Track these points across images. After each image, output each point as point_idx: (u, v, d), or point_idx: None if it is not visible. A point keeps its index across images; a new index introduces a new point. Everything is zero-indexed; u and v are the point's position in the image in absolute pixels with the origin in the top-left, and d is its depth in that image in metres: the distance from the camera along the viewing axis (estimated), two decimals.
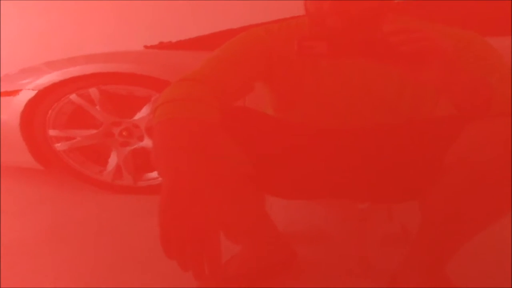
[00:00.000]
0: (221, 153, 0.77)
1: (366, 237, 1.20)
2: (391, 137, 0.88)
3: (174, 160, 0.67)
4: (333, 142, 0.91)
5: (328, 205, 1.25)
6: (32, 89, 1.62)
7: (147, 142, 1.65)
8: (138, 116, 1.61)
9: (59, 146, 1.66)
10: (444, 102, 0.83)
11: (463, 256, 0.93)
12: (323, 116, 0.94)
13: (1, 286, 1.07)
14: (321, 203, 1.26)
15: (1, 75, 1.86)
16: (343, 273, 1.08)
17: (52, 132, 1.65)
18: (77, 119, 1.68)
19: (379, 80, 0.91)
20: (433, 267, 0.93)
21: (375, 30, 0.77)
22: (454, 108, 0.79)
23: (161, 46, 1.91)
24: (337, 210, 1.27)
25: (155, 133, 0.72)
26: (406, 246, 0.98)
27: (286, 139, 0.89)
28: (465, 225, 0.82)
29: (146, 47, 1.94)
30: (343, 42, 0.69)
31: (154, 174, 1.69)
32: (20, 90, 1.64)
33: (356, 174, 0.89)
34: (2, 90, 1.70)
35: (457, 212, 0.79)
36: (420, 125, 0.88)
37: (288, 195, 0.97)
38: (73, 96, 1.60)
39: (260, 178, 0.88)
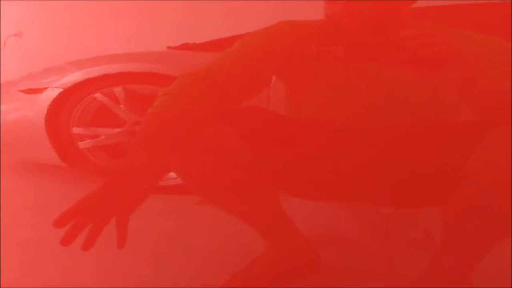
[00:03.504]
0: (213, 146, 0.78)
1: (389, 241, 1.19)
2: (412, 141, 0.87)
3: (151, 152, 0.69)
4: (351, 143, 0.90)
5: (351, 209, 1.24)
6: (58, 87, 1.65)
7: None
8: None
9: (83, 144, 1.68)
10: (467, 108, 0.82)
11: None
12: (339, 116, 0.93)
13: (21, 283, 1.08)
14: (344, 207, 1.25)
15: (28, 73, 1.89)
16: (366, 278, 1.07)
17: (76, 130, 1.67)
18: (102, 117, 1.70)
19: (397, 82, 0.89)
20: (457, 274, 0.91)
21: (391, 33, 0.76)
22: (474, 113, 0.78)
23: (185, 47, 1.93)
24: (361, 214, 1.26)
25: (142, 123, 0.77)
26: (430, 252, 0.97)
27: (302, 139, 0.88)
28: (487, 233, 0.80)
29: (169, 48, 1.95)
30: (359, 47, 0.69)
31: (174, 174, 1.70)
32: (45, 88, 1.67)
33: (376, 177, 0.88)
34: (27, 87, 1.73)
35: (479, 219, 0.78)
36: (442, 130, 0.87)
37: (306, 195, 0.97)
38: (98, 95, 1.62)
39: (274, 176, 0.88)
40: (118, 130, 1.66)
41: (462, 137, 0.81)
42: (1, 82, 1.92)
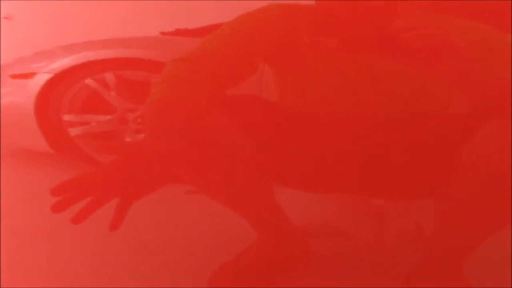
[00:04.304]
0: (210, 135, 0.77)
1: (381, 233, 1.19)
2: (404, 132, 0.86)
3: (165, 143, 0.66)
4: (343, 134, 0.89)
5: (343, 200, 1.24)
6: (48, 73, 1.61)
7: None
8: None
9: (73, 131, 1.65)
10: (460, 99, 0.82)
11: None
12: (329, 106, 0.91)
13: (10, 270, 1.07)
14: (336, 198, 1.25)
15: (17, 58, 1.86)
16: (357, 268, 1.07)
17: (66, 117, 1.64)
18: (92, 104, 1.67)
19: (390, 73, 0.87)
20: (448, 267, 0.91)
21: (385, 23, 0.75)
22: (468, 105, 0.77)
23: (178, 32, 1.89)
24: (352, 205, 1.26)
25: (146, 114, 0.74)
26: (421, 245, 0.97)
27: (294, 129, 0.87)
28: (479, 227, 0.80)
29: (162, 33, 1.92)
30: (352, 38, 0.69)
31: None
32: (36, 73, 1.64)
33: (368, 168, 0.87)
34: (17, 72, 1.70)
35: (471, 213, 0.77)
36: (434, 121, 0.86)
37: (298, 186, 0.96)
38: (88, 81, 1.59)
39: (268, 166, 0.87)
40: (109, 117, 1.64)
41: (455, 129, 0.81)
42: None
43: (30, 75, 1.65)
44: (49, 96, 1.64)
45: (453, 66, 0.69)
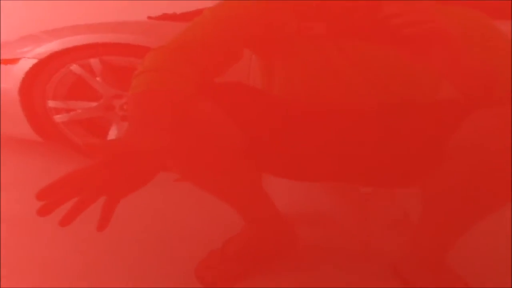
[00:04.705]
0: (199, 125, 0.75)
1: (368, 221, 1.19)
2: (391, 119, 0.85)
3: (153, 138, 0.64)
4: (331, 122, 0.87)
5: (330, 188, 1.24)
6: (32, 58, 1.58)
7: None
8: None
9: (58, 117, 1.63)
10: (447, 86, 0.81)
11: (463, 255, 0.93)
12: (315, 94, 0.89)
13: (2, 260, 1.06)
14: (323, 186, 1.24)
15: (1, 42, 1.81)
16: (345, 257, 1.07)
17: (51, 103, 1.61)
18: (78, 90, 1.64)
19: (377, 59, 0.86)
20: (434, 255, 0.92)
21: (375, 10, 0.73)
22: (456, 92, 0.76)
23: (165, 17, 1.85)
24: (340, 193, 1.26)
25: (130, 106, 0.70)
26: (408, 232, 0.97)
27: (282, 117, 0.85)
28: (465, 215, 0.81)
29: (149, 18, 1.88)
30: (341, 24, 0.67)
31: None
32: (20, 58, 1.60)
33: (355, 157, 0.86)
34: (1, 58, 1.66)
35: (457, 201, 0.78)
36: (422, 109, 0.85)
37: (286, 174, 0.94)
38: (73, 67, 1.55)
39: (256, 155, 0.85)
40: (94, 104, 1.61)
41: (442, 117, 0.80)
42: None
43: (14, 61, 1.62)
44: (33, 82, 1.60)
45: (442, 53, 0.68)
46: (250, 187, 0.92)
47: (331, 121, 0.87)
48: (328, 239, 1.14)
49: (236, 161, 0.84)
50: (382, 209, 1.23)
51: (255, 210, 0.98)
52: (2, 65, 1.63)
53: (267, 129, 0.84)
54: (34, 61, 1.57)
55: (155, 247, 1.12)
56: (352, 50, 0.85)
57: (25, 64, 1.58)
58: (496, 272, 1.01)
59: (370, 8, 0.76)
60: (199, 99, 0.76)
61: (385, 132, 0.84)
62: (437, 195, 0.81)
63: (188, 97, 0.74)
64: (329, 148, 0.86)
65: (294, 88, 0.90)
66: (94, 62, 1.54)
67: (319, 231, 1.18)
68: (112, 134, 1.65)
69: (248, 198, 0.94)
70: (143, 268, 1.04)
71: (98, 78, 1.56)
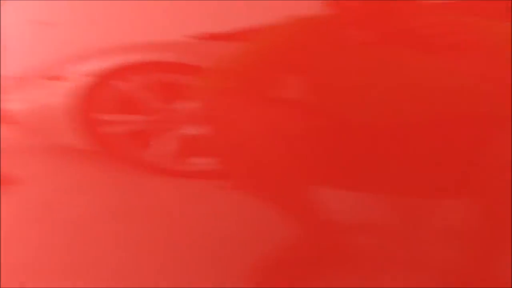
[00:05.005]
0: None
1: (420, 231, 1.17)
2: (431, 132, 0.86)
3: None
4: (384, 133, 0.89)
5: (382, 198, 1.23)
6: (84, 75, 1.66)
7: (190, 129, 1.67)
8: (183, 103, 1.63)
9: (106, 129, 1.70)
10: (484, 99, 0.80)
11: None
12: (363, 106, 0.91)
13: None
14: (377, 196, 1.24)
15: (53, 60, 1.91)
16: (396, 266, 1.07)
17: (100, 116, 1.69)
18: (125, 104, 1.71)
19: (412, 70, 0.87)
20: (487, 265, 0.92)
21: (409, 18, 0.75)
22: (493, 105, 0.77)
23: (211, 37, 1.91)
24: (394, 203, 1.25)
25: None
26: (459, 244, 0.97)
27: (320, 129, 0.89)
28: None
29: (194, 37, 1.94)
30: (373, 30, 0.68)
31: (196, 159, 1.71)
32: (70, 75, 1.69)
33: (409, 168, 0.87)
34: (52, 74, 1.75)
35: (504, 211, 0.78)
36: (460, 121, 0.85)
37: (338, 185, 0.97)
38: (121, 83, 1.63)
39: (306, 167, 0.90)
40: (140, 116, 1.68)
41: (480, 130, 0.80)
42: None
43: (66, 78, 1.71)
44: (83, 97, 1.69)
45: (477, 64, 0.70)
46: (301, 194, 0.94)
47: (384, 133, 0.89)
48: (380, 248, 1.13)
49: (288, 170, 0.86)
50: (437, 220, 1.21)
51: (306, 218, 0.99)
52: (54, 82, 1.73)
53: (309, 141, 0.86)
54: (85, 77, 1.66)
55: (211, 253, 1.15)
56: (387, 59, 0.87)
57: (76, 81, 1.67)
58: (496, 272, 1.00)
59: (402, 17, 0.78)
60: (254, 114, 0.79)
61: (426, 143, 0.86)
62: (482, 207, 0.81)
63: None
64: (383, 159, 0.87)
65: (333, 98, 0.93)
66: (140, 78, 1.62)
67: (371, 240, 1.15)
68: (156, 144, 1.72)
69: (298, 206, 0.96)
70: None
71: (144, 93, 1.63)
